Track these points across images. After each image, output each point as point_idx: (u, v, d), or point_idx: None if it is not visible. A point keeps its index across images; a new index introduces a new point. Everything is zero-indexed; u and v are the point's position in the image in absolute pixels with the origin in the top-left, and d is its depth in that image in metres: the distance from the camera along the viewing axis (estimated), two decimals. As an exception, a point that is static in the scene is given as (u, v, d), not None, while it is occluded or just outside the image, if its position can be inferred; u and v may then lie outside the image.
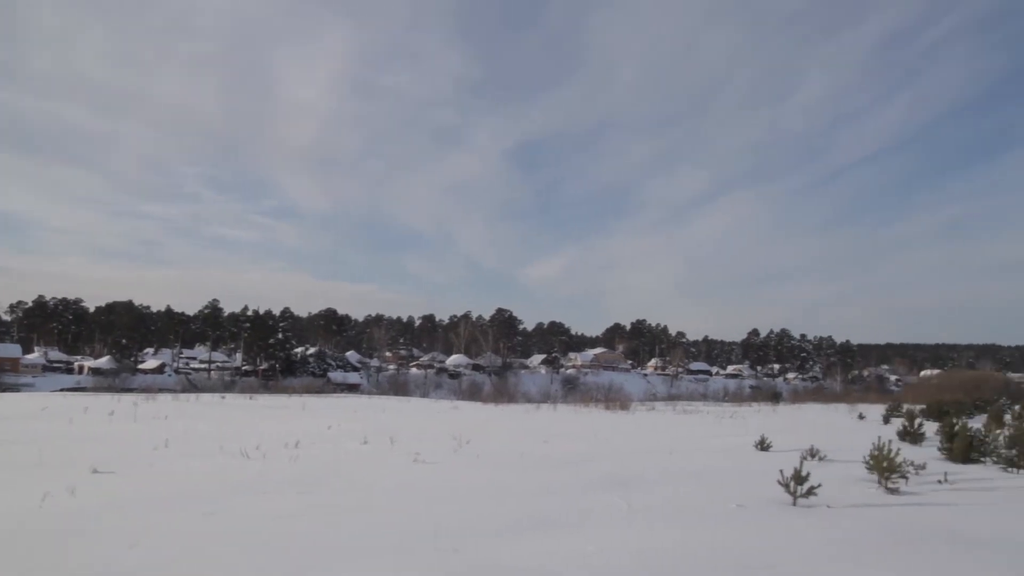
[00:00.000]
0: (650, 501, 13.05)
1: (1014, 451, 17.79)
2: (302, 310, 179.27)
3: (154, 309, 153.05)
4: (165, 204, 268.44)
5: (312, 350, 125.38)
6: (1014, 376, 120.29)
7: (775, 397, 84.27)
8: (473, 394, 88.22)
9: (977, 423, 29.17)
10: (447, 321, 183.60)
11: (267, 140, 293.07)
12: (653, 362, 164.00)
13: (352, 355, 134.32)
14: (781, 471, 13.30)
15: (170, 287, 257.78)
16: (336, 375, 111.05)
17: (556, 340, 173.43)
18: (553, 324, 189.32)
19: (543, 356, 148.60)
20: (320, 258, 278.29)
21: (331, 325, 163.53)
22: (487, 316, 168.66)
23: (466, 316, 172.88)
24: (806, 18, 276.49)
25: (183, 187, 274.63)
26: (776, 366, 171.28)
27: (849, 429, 33.14)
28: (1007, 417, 31.84)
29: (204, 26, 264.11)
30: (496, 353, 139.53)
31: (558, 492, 14.11)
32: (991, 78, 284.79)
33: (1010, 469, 17.53)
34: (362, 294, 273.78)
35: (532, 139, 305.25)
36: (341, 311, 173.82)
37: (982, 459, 19.37)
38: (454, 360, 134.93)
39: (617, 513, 11.82)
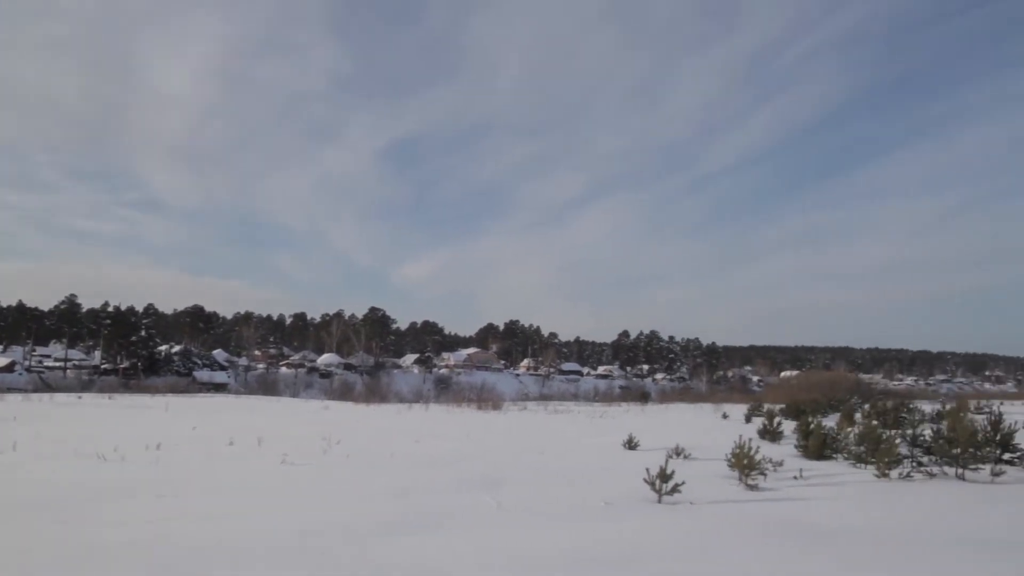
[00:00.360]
0: (521, 500, 13.16)
1: (863, 448, 18.73)
2: (168, 307, 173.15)
3: (4, 304, 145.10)
4: (19, 193, 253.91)
5: (177, 348, 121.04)
6: (865, 377, 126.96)
7: (644, 397, 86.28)
8: (344, 394, 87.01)
9: (831, 421, 30.61)
10: (319, 320, 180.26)
11: (132, 130, 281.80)
12: (526, 362, 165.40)
13: (220, 354, 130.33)
14: (647, 469, 13.63)
15: (23, 281, 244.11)
16: (202, 374, 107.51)
17: (429, 340, 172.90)
18: (427, 323, 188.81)
19: (416, 356, 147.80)
20: (188, 254, 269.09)
21: (198, 323, 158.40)
22: (360, 315, 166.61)
23: (338, 315, 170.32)
24: (680, 29, 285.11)
25: (38, 176, 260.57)
26: (645, 367, 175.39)
27: (713, 428, 34.21)
28: (858, 416, 33.50)
29: (63, 7, 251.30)
30: (368, 352, 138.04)
31: (429, 492, 14.07)
32: (849, 95, 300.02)
33: (859, 465, 18.43)
34: (232, 291, 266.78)
35: (408, 137, 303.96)
36: (209, 308, 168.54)
37: (834, 456, 20.30)
38: (325, 359, 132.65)
39: (488, 512, 11.87)
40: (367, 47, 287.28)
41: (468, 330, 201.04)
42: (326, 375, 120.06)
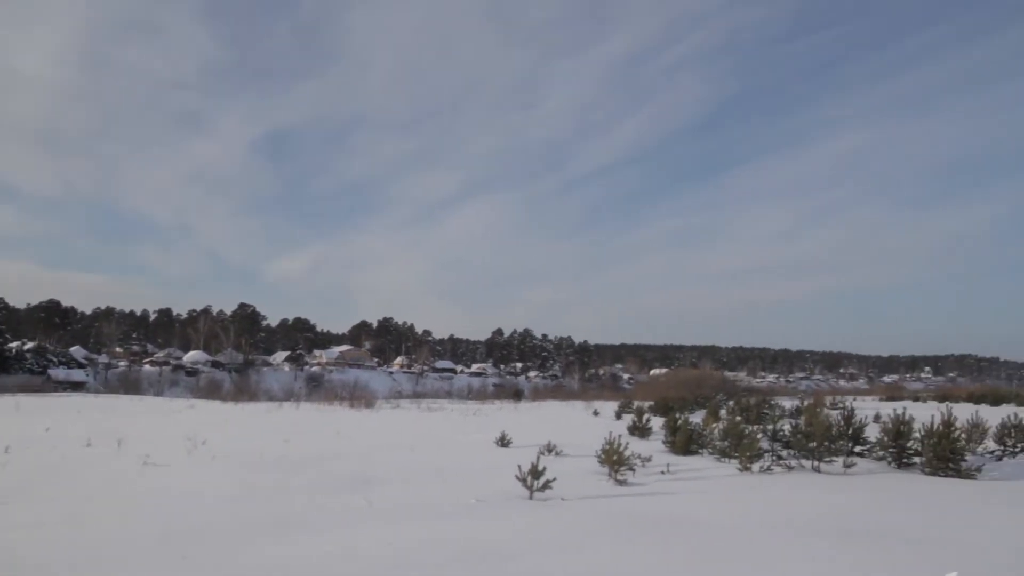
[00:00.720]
0: (393, 499, 13.05)
1: (727, 443, 19.39)
2: (20, 301, 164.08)
3: None
4: None
5: (30, 345, 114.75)
6: (730, 374, 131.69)
7: (517, 395, 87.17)
8: (212, 392, 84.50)
9: (698, 418, 31.53)
10: (185, 316, 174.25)
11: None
12: (399, 360, 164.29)
13: (78, 351, 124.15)
14: (519, 466, 13.72)
15: None
16: (58, 372, 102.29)
17: (301, 337, 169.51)
18: (299, 320, 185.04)
19: (287, 353, 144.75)
20: (44, 245, 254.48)
21: (53, 318, 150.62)
22: (229, 311, 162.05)
23: (206, 311, 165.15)
24: (556, 30, 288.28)
25: None
26: (519, 364, 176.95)
27: (585, 425, 34.72)
28: (723, 412, 34.63)
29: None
30: (238, 350, 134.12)
31: (299, 492, 13.80)
32: (716, 104, 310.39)
33: (723, 459, 19.08)
34: (92, 286, 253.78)
35: (282, 130, 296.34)
36: (67, 303, 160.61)
37: (700, 451, 20.92)
38: (192, 357, 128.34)
39: (359, 512, 11.71)
40: (240, 36, 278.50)
41: (341, 327, 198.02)
42: (192, 373, 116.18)
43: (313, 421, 37.31)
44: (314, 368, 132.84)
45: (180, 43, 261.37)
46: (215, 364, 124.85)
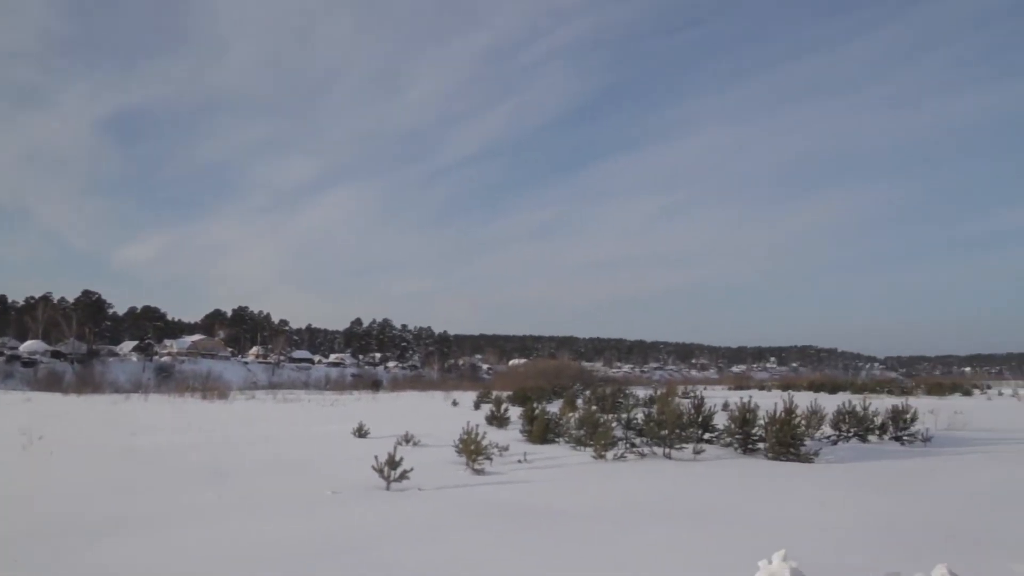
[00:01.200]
0: (246, 492, 12.69)
1: (582, 431, 19.74)
2: None
3: None
4: None
5: None
6: (587, 365, 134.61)
7: (376, 385, 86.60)
8: (52, 384, 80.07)
9: (555, 407, 32.00)
10: (22, 303, 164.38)
11: None
12: (255, 350, 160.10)
13: None
14: (376, 457, 13.57)
15: None
16: None
17: (150, 326, 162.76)
18: (148, 309, 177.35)
19: (135, 343, 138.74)
20: None
21: None
22: (71, 298, 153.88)
23: (45, 298, 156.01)
24: (422, 19, 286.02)
25: None
26: (378, 355, 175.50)
27: (443, 415, 34.79)
28: (579, 402, 35.30)
29: None
30: (81, 339, 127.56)
31: (146, 488, 13.23)
32: (582, 98, 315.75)
33: (579, 447, 19.41)
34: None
35: (133, 109, 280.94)
36: None
37: (557, 439, 21.22)
38: (29, 346, 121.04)
39: (210, 506, 11.32)
40: (88, 7, 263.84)
41: (194, 316, 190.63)
42: (29, 364, 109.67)
43: (163, 413, 35.94)
44: (164, 359, 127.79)
45: (16, 10, 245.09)
46: (55, 354, 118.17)
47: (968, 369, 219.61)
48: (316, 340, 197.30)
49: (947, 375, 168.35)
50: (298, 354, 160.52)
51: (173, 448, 19.95)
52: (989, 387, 74.57)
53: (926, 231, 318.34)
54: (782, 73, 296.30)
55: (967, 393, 59.78)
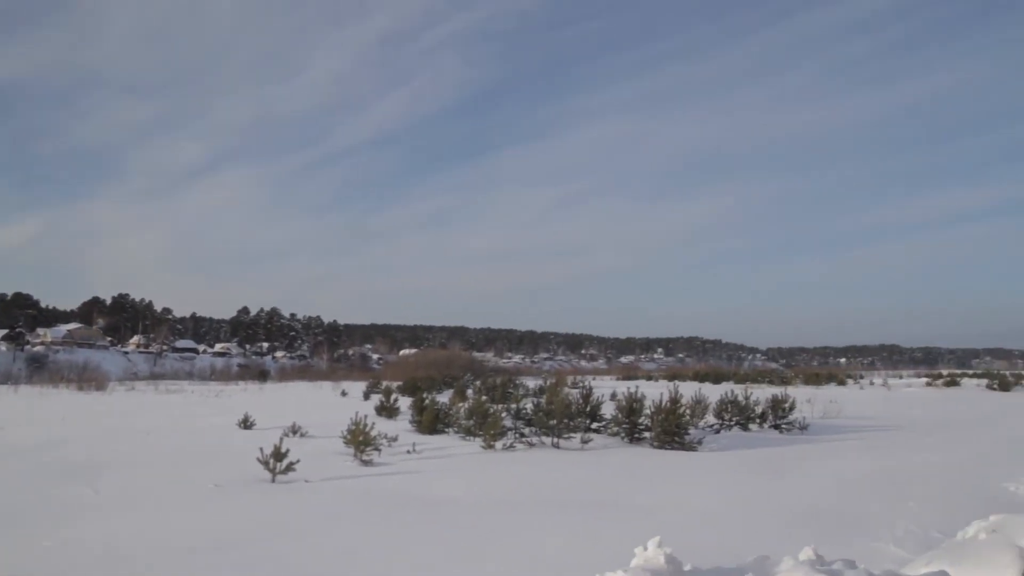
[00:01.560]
0: (124, 487, 12.24)
1: (472, 421, 19.77)
2: None
3: None
4: None
5: None
6: (478, 355, 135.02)
7: (263, 375, 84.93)
8: (-93, 377, 75.70)
9: (445, 397, 31.98)
10: None
11: None
12: (136, 339, 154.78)
13: None
14: (261, 449, 13.27)
15: None
16: None
17: (22, 314, 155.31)
18: (19, 296, 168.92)
19: (5, 331, 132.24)
20: None
21: None
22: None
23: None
24: (314, 1, 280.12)
25: None
26: (265, 344, 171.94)
27: (332, 406, 34.34)
28: (470, 392, 35.36)
29: None
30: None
31: (15, 483, 12.62)
32: (479, 86, 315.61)
33: (468, 437, 19.43)
34: None
35: (2, 83, 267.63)
36: None
37: (447, 430, 21.22)
38: None
39: (84, 503, 10.87)
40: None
41: (70, 304, 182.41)
42: None
43: (34, 406, 34.42)
44: (37, 348, 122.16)
45: None
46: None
47: (843, 360, 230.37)
48: (201, 329, 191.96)
49: (824, 366, 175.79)
50: (182, 344, 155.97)
51: (46, 441, 19.11)
52: (862, 377, 78.02)
53: (805, 227, 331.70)
54: (673, 71, 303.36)
55: (842, 383, 62.42)
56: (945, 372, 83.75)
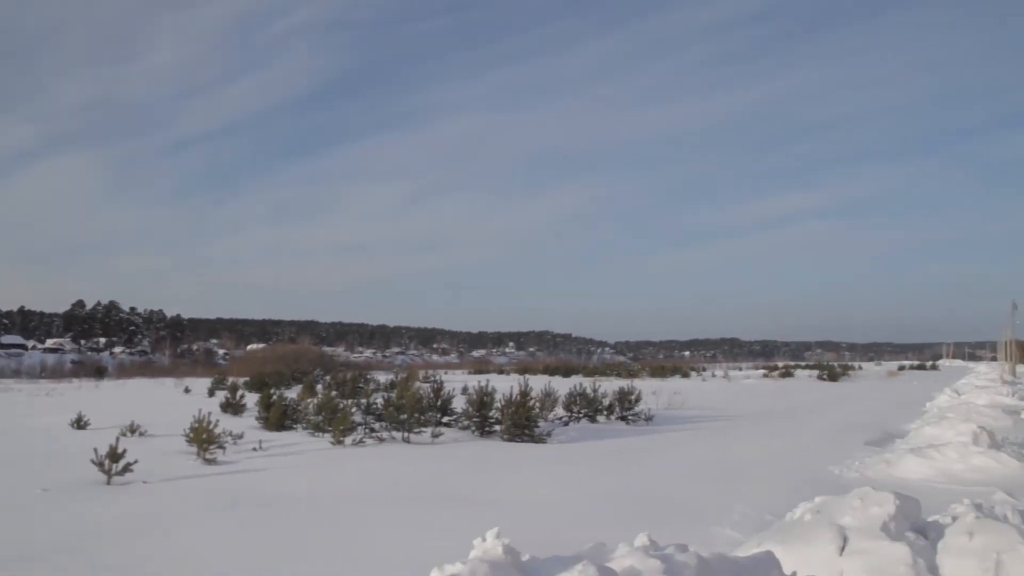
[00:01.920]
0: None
1: (321, 417, 19.45)
2: None
3: None
4: None
5: None
6: (329, 350, 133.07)
7: (100, 372, 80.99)
8: None
9: (294, 393, 31.35)
10: None
11: None
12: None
13: None
14: (96, 450, 12.63)
15: None
16: None
17: None
18: None
19: None
20: None
21: None
22: None
23: None
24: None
25: None
26: (103, 340, 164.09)
27: (174, 403, 33.10)
28: (319, 387, 34.80)
29: None
30: None
31: None
32: (332, 76, 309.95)
33: (317, 433, 19.10)
34: None
35: None
36: None
37: (295, 426, 20.79)
38: None
39: None
40: None
41: None
42: None
43: None
44: None
45: None
46: None
47: (687, 353, 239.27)
48: (30, 324, 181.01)
49: (669, 359, 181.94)
50: (8, 339, 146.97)
51: None
52: (704, 369, 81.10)
53: (654, 224, 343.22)
54: (529, 67, 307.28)
55: (685, 375, 64.84)
56: (781, 364, 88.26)
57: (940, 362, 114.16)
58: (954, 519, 6.04)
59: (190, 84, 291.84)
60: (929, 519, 6.35)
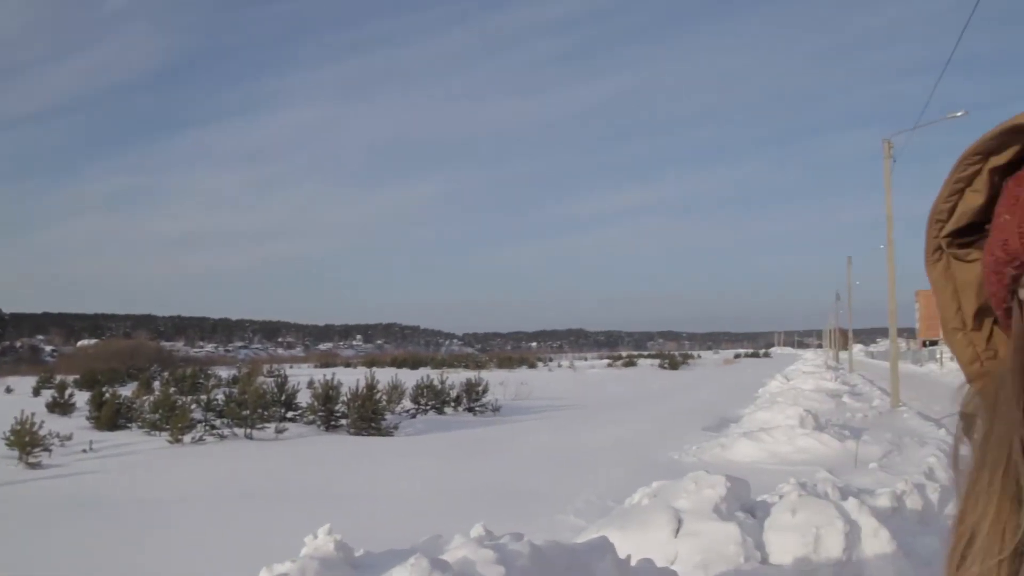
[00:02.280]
0: None
1: (158, 415, 18.68)
2: None
3: None
4: None
5: None
6: (167, 345, 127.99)
7: (-91, 372, 75.12)
8: None
9: (129, 391, 30.00)
10: None
11: None
12: None
13: None
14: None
15: None
16: None
17: None
18: None
19: None
20: None
21: None
22: None
23: None
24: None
25: None
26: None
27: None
28: (156, 384, 33.46)
29: None
30: None
31: None
32: (172, 58, 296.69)
33: (154, 432, 18.34)
34: None
35: None
36: None
37: (129, 425, 19.91)
38: None
39: None
40: None
41: None
42: None
43: None
44: None
45: None
46: None
47: (535, 344, 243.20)
48: None
49: (517, 350, 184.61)
50: None
51: None
52: (551, 360, 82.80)
53: (498, 217, 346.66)
54: (376, 58, 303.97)
55: (532, 366, 65.90)
56: (624, 354, 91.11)
57: (772, 350, 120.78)
58: (780, 498, 6.40)
59: (11, 61, 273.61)
60: (758, 499, 6.71)
